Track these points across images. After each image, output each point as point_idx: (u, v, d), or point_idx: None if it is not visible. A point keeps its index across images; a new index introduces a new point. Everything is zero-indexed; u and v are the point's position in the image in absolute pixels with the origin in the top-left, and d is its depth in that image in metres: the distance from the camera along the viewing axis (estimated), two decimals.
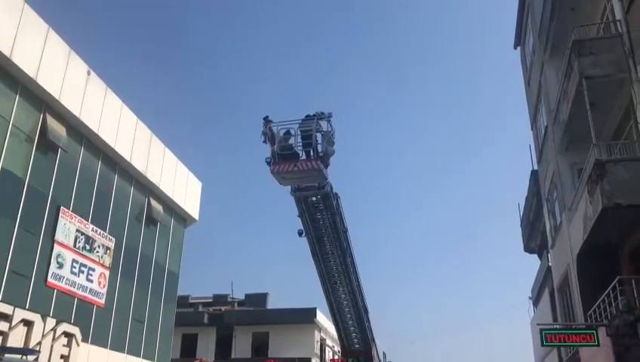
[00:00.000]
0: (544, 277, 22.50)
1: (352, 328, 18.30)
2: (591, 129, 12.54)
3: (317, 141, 14.38)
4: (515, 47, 23.79)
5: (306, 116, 14.72)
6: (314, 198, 15.41)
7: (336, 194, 15.78)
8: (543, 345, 14.15)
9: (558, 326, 16.56)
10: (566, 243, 16.40)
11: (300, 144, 14.63)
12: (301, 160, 14.50)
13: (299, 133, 14.70)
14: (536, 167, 22.23)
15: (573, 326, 14.82)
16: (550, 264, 20.69)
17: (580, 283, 14.92)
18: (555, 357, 20.10)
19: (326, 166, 14.53)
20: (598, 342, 12.53)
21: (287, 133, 14.85)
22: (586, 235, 13.19)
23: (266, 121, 14.83)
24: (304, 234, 15.98)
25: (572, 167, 16.41)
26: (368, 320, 18.66)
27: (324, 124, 14.60)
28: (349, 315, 17.97)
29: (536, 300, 26.21)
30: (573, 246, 15.34)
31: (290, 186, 15.29)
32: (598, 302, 12.92)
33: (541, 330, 13.70)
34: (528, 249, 27.31)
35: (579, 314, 15.32)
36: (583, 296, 14.64)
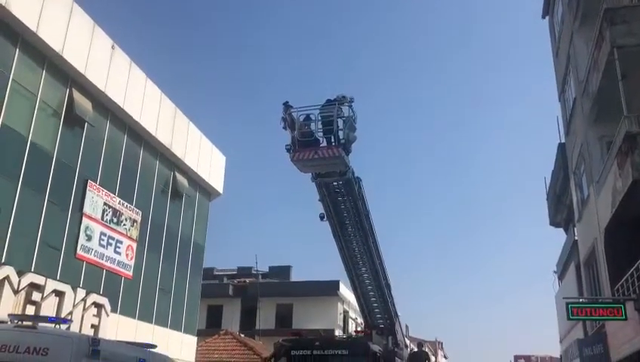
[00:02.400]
0: (570, 251, 22.25)
1: (375, 304, 18.26)
2: (622, 100, 12.23)
3: (338, 127, 14.05)
4: (544, 17, 23.20)
5: (327, 101, 14.41)
6: (335, 184, 15.19)
7: (358, 178, 15.51)
8: (569, 318, 14.05)
9: (584, 300, 16.43)
10: (593, 216, 16.16)
11: (321, 130, 14.33)
12: (322, 147, 14.16)
13: (319, 118, 14.39)
14: (563, 140, 21.84)
15: (600, 300, 14.68)
16: (576, 238, 20.45)
17: (608, 257, 14.72)
18: (580, 330, 19.98)
19: (347, 153, 14.20)
20: (625, 316, 12.40)
21: (308, 118, 14.54)
22: (615, 209, 12.98)
23: (286, 106, 14.48)
24: (325, 218, 15.79)
25: (601, 139, 16.05)
26: (391, 296, 18.60)
27: (345, 110, 14.26)
28: (371, 292, 17.92)
29: (561, 274, 25.98)
30: (600, 220, 15.12)
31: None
32: (626, 276, 12.76)
33: (567, 304, 13.59)
34: (554, 223, 26.97)
35: (605, 288, 15.16)
36: (610, 269, 14.45)
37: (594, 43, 14.10)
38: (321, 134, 14.31)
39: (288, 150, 14.23)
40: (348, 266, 17.07)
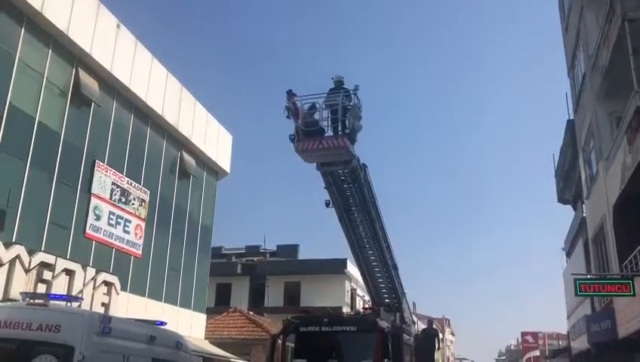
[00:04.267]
0: (578, 228, 22.22)
1: (382, 285, 18.25)
2: (633, 75, 12.09)
3: (344, 116, 13.81)
4: None
5: (331, 90, 14.25)
6: (340, 172, 15.04)
7: (363, 165, 15.34)
8: (576, 294, 14.09)
9: (592, 276, 16.43)
10: (602, 193, 16.10)
11: (326, 119, 14.13)
12: (326, 137, 13.90)
13: (324, 107, 14.17)
14: (572, 116, 21.68)
15: (608, 276, 14.69)
16: (585, 215, 20.39)
17: (616, 234, 14.69)
18: (587, 307, 20.04)
19: (353, 142, 14.00)
20: (633, 292, 12.41)
21: (312, 107, 14.32)
22: (624, 185, 12.93)
23: (290, 94, 14.29)
24: (331, 204, 15.68)
25: (610, 115, 15.92)
26: (398, 276, 18.59)
27: (351, 98, 14.02)
28: (378, 274, 17.88)
29: (569, 251, 25.98)
30: (609, 197, 15.06)
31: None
32: (634, 253, 12.73)
33: (575, 280, 13.61)
34: (562, 200, 26.90)
35: (614, 264, 15.15)
36: (618, 246, 14.43)
37: (604, 17, 13.91)
38: (325, 123, 14.10)
39: (292, 140, 14.03)
40: (354, 250, 17.02)
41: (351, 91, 14.11)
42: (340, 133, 13.82)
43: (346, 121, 13.85)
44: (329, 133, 14.05)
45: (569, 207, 26.70)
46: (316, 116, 14.20)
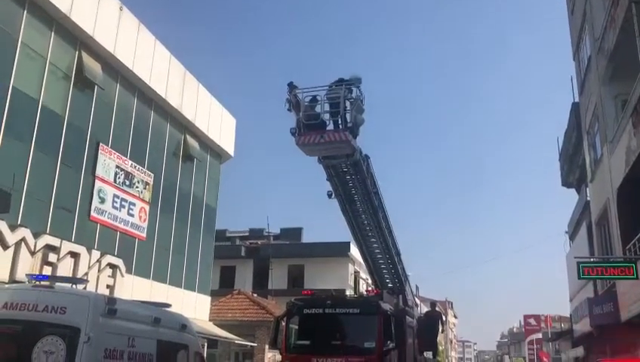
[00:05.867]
0: (582, 211, 22.21)
1: (385, 270, 18.33)
2: (639, 58, 11.97)
3: (345, 109, 13.67)
4: None
5: (333, 82, 14.13)
6: (343, 164, 14.98)
7: (366, 156, 15.26)
8: (579, 277, 14.10)
9: (595, 260, 16.44)
10: (606, 176, 16.05)
11: (327, 112, 13.99)
12: (328, 131, 13.71)
13: (326, 100, 14.03)
14: (577, 100, 21.56)
15: (612, 260, 14.69)
16: (589, 198, 20.37)
17: (620, 217, 14.67)
18: (590, 290, 20.08)
19: (355, 136, 13.90)
20: (637, 275, 12.41)
21: (314, 99, 14.19)
22: (628, 168, 12.87)
23: (291, 87, 14.16)
24: (334, 195, 15.66)
25: (616, 98, 15.80)
26: (401, 261, 18.66)
27: (353, 91, 13.87)
28: (381, 260, 17.93)
29: (572, 234, 25.99)
30: (613, 180, 15.02)
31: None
32: (638, 236, 12.73)
33: (578, 263, 13.61)
34: (566, 183, 26.85)
35: (617, 247, 15.15)
36: (622, 229, 14.41)
37: None
38: (327, 116, 14.00)
39: (293, 133, 13.94)
40: (357, 238, 17.04)
41: (353, 85, 13.97)
42: (341, 126, 13.72)
43: (348, 115, 13.75)
44: (330, 126, 13.95)
45: (573, 191, 26.68)
46: (317, 109, 14.09)
